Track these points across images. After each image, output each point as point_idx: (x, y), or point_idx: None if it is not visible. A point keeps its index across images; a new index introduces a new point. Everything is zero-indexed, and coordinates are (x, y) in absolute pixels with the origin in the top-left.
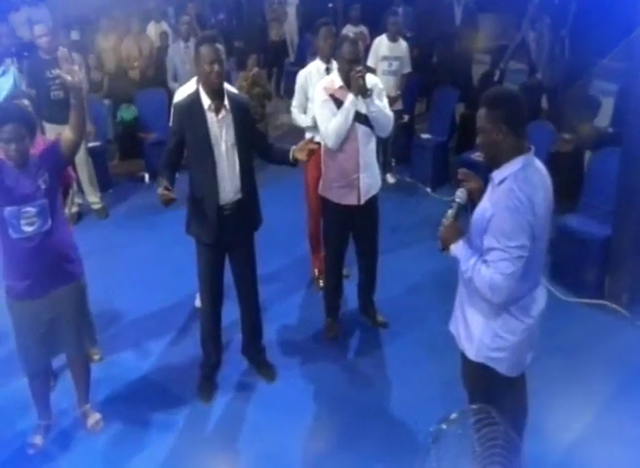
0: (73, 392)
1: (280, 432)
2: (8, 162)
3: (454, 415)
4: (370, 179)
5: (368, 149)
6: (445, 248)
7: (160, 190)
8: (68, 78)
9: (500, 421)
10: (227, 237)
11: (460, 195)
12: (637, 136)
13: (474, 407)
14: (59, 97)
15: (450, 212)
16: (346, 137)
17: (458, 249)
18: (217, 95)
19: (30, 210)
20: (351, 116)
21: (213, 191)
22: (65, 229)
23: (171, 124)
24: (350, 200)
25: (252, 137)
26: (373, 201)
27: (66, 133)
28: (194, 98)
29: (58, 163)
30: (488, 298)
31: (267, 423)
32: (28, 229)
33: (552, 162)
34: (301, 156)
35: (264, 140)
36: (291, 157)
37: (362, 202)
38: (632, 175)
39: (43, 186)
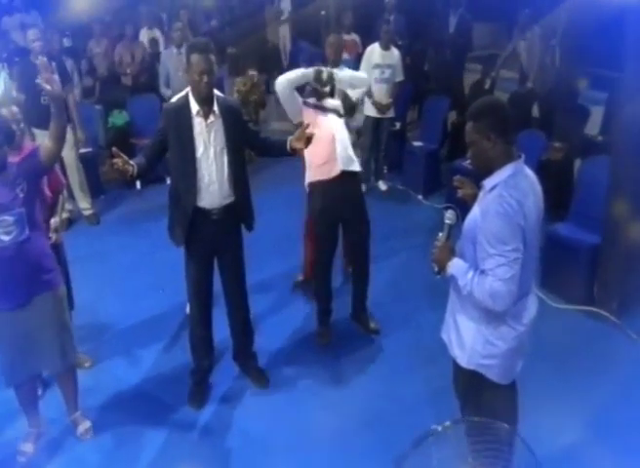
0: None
1: (272, 439)
2: None
3: (447, 423)
4: (346, 152)
5: (339, 124)
6: (441, 270)
7: (117, 159)
8: (48, 87)
9: (501, 436)
10: (215, 241)
11: (450, 216)
12: (626, 144)
13: (475, 419)
14: (49, 102)
15: (441, 234)
16: (318, 117)
17: (454, 267)
18: (206, 101)
19: (7, 219)
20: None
21: (190, 195)
22: (43, 238)
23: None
24: (334, 170)
25: (244, 139)
26: (355, 182)
27: (46, 142)
28: (183, 103)
29: (36, 171)
30: (490, 308)
31: (259, 430)
32: (5, 238)
33: (543, 170)
34: (299, 145)
35: (258, 137)
36: (288, 147)
37: (343, 167)
38: (621, 184)
39: (21, 195)
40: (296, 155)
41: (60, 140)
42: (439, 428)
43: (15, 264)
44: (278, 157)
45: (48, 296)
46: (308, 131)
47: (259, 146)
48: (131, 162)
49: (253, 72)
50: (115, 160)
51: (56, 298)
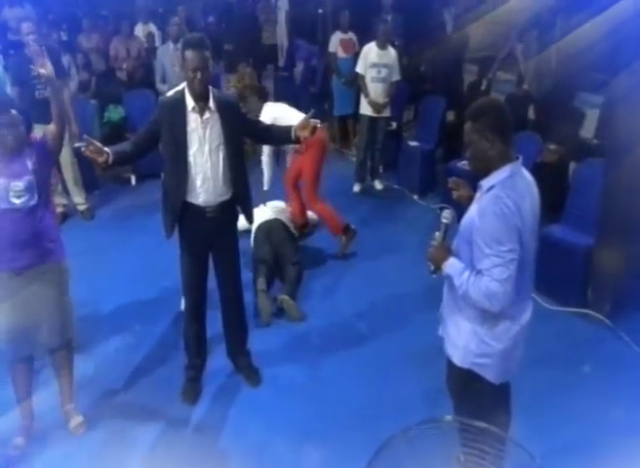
0: (56, 394)
1: (264, 436)
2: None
3: (448, 417)
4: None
5: None
6: (436, 269)
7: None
8: (43, 71)
9: (493, 439)
10: (210, 238)
11: (447, 216)
12: (621, 147)
13: (470, 421)
14: (43, 95)
15: (437, 233)
16: None
17: (450, 266)
18: (201, 97)
19: (18, 184)
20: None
21: (179, 191)
22: (50, 211)
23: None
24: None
25: (244, 130)
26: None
27: (50, 126)
28: (179, 98)
29: (45, 150)
30: (486, 308)
31: (251, 426)
32: (16, 201)
33: (538, 172)
34: (304, 134)
35: (258, 126)
36: (293, 136)
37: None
38: (615, 186)
39: (31, 166)
40: (299, 143)
41: (61, 121)
42: (449, 417)
43: (23, 227)
44: (280, 144)
45: (52, 267)
46: (313, 120)
47: (260, 134)
48: (106, 149)
49: (246, 68)
50: (83, 149)
51: (59, 271)
